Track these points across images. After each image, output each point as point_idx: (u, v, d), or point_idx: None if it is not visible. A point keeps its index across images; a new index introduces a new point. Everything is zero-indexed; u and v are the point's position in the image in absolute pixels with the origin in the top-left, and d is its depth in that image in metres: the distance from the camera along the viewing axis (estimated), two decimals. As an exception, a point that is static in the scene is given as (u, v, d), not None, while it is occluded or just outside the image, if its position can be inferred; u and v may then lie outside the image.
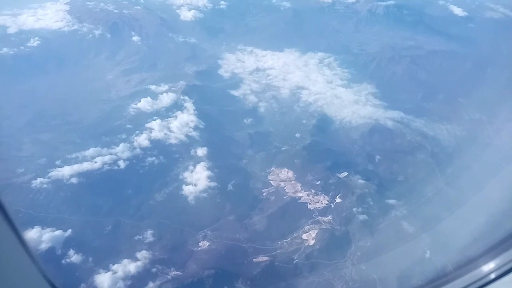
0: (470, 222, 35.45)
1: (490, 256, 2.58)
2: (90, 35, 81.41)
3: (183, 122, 50.79)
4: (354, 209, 39.46)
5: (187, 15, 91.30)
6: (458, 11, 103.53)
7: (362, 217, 38.82)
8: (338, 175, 45.50)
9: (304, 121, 57.78)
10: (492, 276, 2.50)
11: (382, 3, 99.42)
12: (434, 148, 49.46)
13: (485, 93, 64.49)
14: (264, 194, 43.99)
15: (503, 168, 44.46)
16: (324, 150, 50.58)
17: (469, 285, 2.57)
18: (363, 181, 43.32)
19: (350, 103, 62.47)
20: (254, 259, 36.01)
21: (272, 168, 47.92)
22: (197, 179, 42.08)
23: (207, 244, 37.29)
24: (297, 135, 54.23)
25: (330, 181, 44.64)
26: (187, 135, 48.87)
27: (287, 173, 47.31)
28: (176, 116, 52.62)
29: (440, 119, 57.73)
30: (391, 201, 39.90)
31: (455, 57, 75.88)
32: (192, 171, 43.36)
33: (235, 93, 63.79)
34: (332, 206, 41.59)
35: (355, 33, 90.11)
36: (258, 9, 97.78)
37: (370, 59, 76.46)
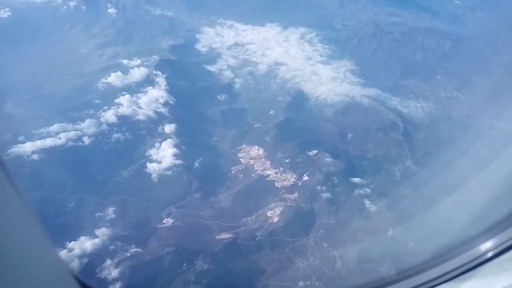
0: (434, 200, 35.54)
1: (488, 236, 2.63)
2: (65, 7, 78.58)
3: (153, 98, 49.62)
4: (319, 187, 39.33)
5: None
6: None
7: (327, 195, 38.75)
8: (308, 153, 45.15)
9: (279, 98, 56.92)
10: (490, 254, 2.56)
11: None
12: (406, 126, 49.12)
13: (465, 71, 64.08)
14: (232, 171, 43.61)
15: (475, 146, 44.42)
16: (296, 127, 50.01)
17: (466, 263, 2.60)
18: (332, 159, 43.05)
19: (327, 80, 61.52)
20: (217, 236, 35.93)
21: (243, 146, 47.40)
22: (163, 156, 41.45)
23: (171, 222, 37.05)
24: (271, 112, 53.50)
25: (299, 159, 44.32)
26: (155, 111, 47.82)
27: (258, 150, 46.84)
28: (146, 92, 51.39)
29: (417, 97, 57.23)
30: (357, 180, 39.78)
31: (437, 34, 74.60)
32: (158, 148, 42.67)
33: (211, 68, 62.41)
34: (299, 184, 41.41)
35: (339, 8, 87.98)
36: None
37: (352, 35, 74.99)
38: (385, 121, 50.82)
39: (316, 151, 45.29)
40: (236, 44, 71.71)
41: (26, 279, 1.67)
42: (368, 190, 38.26)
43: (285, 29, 77.74)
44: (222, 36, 73.91)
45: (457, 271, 2.60)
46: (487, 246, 2.57)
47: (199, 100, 53.38)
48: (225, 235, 36.20)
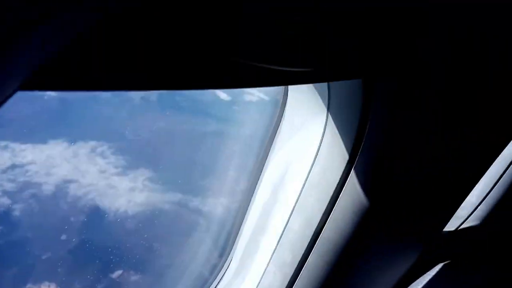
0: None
1: None
2: None
3: None
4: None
5: None
6: (223, 96, 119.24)
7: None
8: (111, 275, 40.54)
9: (72, 219, 50.88)
10: None
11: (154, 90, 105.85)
12: (209, 224, 51.18)
13: (249, 165, 74.21)
14: (12, 323, 34.47)
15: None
16: (95, 248, 44.65)
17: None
18: (138, 276, 39.84)
19: (125, 192, 59.13)
20: None
21: (28, 285, 38.85)
22: None
23: None
24: (63, 237, 46.87)
25: (101, 285, 39.16)
26: None
27: (49, 287, 39.18)
28: None
29: (214, 194, 60.96)
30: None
31: (222, 135, 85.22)
32: None
33: (-23, 199, 51.75)
34: (104, 315, 35.98)
35: (129, 120, 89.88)
36: (15, 100, 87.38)
37: (145, 144, 76.67)
38: (189, 222, 51.77)
39: (121, 271, 41.21)
40: (14, 166, 62.54)
41: None
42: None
43: (72, 144, 73.57)
44: (-6, 159, 64.00)
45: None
46: None
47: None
48: None
